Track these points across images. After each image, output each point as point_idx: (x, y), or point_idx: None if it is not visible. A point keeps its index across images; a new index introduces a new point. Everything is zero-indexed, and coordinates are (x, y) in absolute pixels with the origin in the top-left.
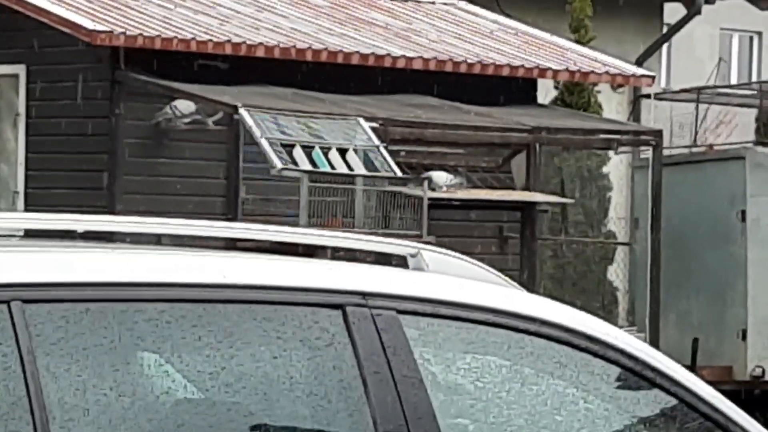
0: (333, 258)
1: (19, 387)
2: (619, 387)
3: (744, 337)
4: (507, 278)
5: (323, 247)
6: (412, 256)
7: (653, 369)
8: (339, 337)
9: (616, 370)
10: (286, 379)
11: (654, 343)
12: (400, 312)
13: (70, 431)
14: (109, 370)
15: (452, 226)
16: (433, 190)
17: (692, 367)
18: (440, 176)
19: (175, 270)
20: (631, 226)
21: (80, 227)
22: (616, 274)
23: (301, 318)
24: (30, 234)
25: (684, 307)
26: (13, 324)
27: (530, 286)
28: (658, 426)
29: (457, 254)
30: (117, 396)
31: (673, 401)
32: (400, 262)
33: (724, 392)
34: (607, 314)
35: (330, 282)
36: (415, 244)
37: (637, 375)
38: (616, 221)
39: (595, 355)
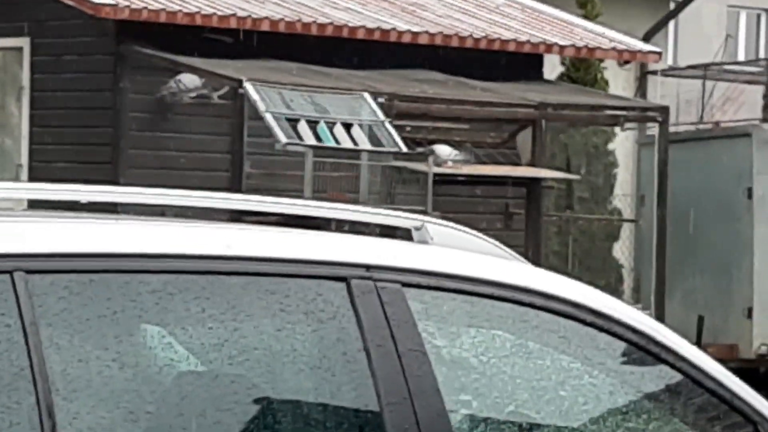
0: (337, 231)
1: (22, 358)
2: (624, 362)
3: (749, 315)
4: (512, 251)
5: (327, 220)
6: (417, 228)
7: (658, 344)
8: (343, 309)
9: (621, 345)
10: (290, 351)
11: (659, 320)
12: (404, 285)
13: (72, 403)
14: (113, 342)
15: (457, 202)
16: (438, 165)
17: (697, 345)
18: (444, 150)
19: (179, 241)
20: (636, 203)
21: (83, 198)
22: (622, 251)
23: (305, 290)
24: (34, 205)
25: (689, 285)
26: (16, 294)
27: (535, 262)
28: (663, 401)
29: (462, 227)
30: (120, 368)
31: (679, 376)
32: (405, 234)
33: (729, 370)
34: (613, 291)
35: (334, 254)
36: (419, 216)
37: (642, 350)
38: (622, 198)
39: (601, 329)
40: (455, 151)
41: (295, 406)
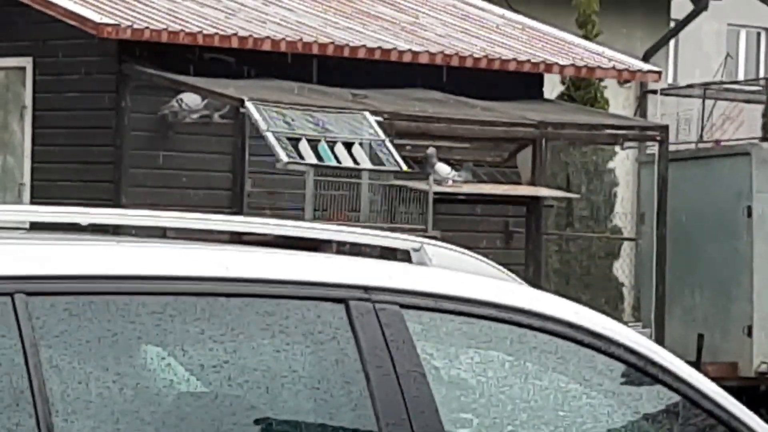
0: (338, 253)
1: (22, 380)
2: (622, 383)
3: (749, 333)
4: (510, 272)
5: (327, 241)
6: (415, 250)
7: (656, 365)
8: (342, 331)
9: (619, 366)
10: (289, 372)
11: (659, 339)
12: (403, 306)
13: (73, 424)
14: (112, 363)
15: (458, 221)
16: (438, 183)
17: (697, 364)
18: (443, 168)
19: (178, 263)
20: (636, 221)
21: (84, 220)
22: (622, 269)
23: (303, 312)
24: (36, 227)
25: (689, 303)
26: (17, 316)
27: (535, 281)
28: (661, 422)
29: (460, 249)
30: (120, 389)
31: (676, 397)
32: (404, 256)
33: (729, 389)
34: (613, 310)
35: (333, 276)
36: (418, 238)
37: (639, 371)
38: (622, 216)
39: (598, 350)
40: (454, 172)
41: (294, 427)
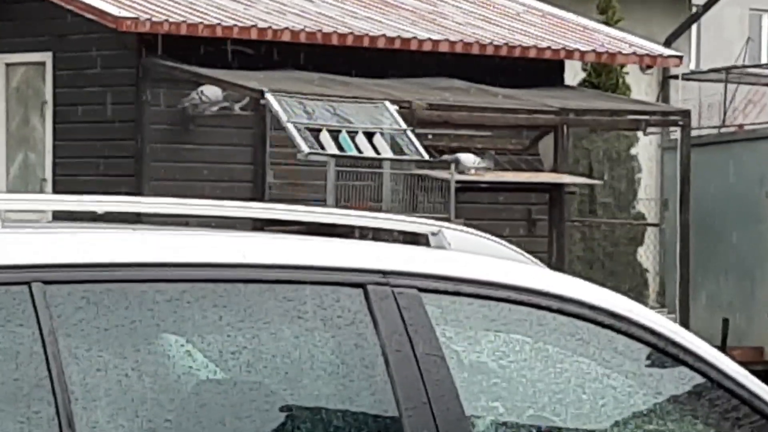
0: (358, 238)
1: (40, 368)
2: (643, 364)
3: None
4: (529, 255)
5: (346, 227)
6: (434, 234)
7: (677, 345)
8: (360, 315)
9: (640, 347)
10: (308, 358)
11: (684, 324)
12: (421, 290)
13: (92, 412)
14: (131, 351)
15: (480, 209)
16: (462, 172)
17: (723, 348)
18: (468, 158)
19: (196, 250)
20: (660, 207)
21: (101, 208)
22: (646, 255)
23: (322, 297)
24: (57, 217)
25: (714, 288)
26: (34, 305)
27: (559, 268)
28: (683, 403)
29: (478, 232)
30: (138, 376)
31: (698, 378)
32: (423, 240)
33: (755, 372)
34: (637, 296)
35: (351, 261)
36: (436, 222)
37: (661, 352)
38: (646, 202)
39: (619, 331)
40: (479, 159)
41: (314, 412)
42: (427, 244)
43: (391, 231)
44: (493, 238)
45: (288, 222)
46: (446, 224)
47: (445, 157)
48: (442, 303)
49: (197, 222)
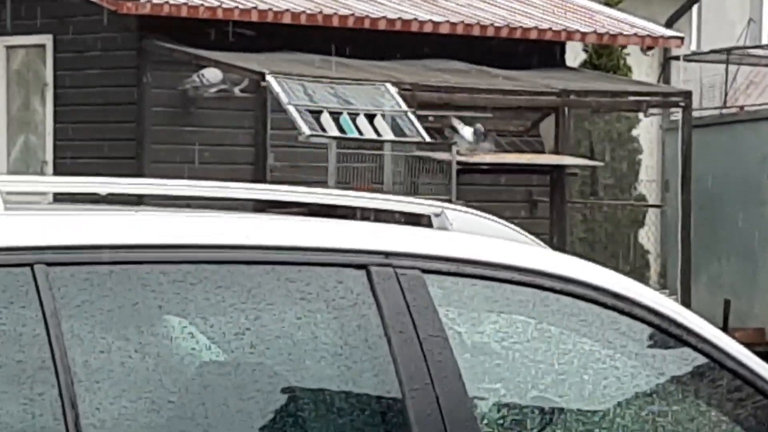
0: (360, 220)
1: (43, 350)
2: (646, 345)
3: None
4: (531, 236)
5: (348, 208)
6: (436, 215)
7: (680, 326)
8: (363, 297)
9: (642, 328)
10: (311, 339)
11: (686, 305)
12: (424, 271)
13: (95, 393)
14: (134, 332)
15: (481, 191)
16: (473, 149)
17: (724, 329)
18: (467, 131)
19: (199, 231)
20: (661, 188)
21: (104, 190)
22: (647, 237)
23: (325, 278)
24: (58, 199)
25: (715, 269)
26: (37, 287)
27: (560, 249)
28: (686, 383)
29: (481, 213)
30: (142, 358)
31: (701, 358)
32: (425, 221)
33: (757, 354)
34: (639, 277)
35: (353, 242)
36: (438, 203)
37: (664, 332)
38: (647, 184)
39: (622, 312)
40: (474, 129)
41: (317, 393)
42: (429, 225)
43: (393, 212)
44: (496, 218)
45: (289, 204)
46: (449, 205)
47: (445, 141)
48: (444, 284)
49: (199, 204)
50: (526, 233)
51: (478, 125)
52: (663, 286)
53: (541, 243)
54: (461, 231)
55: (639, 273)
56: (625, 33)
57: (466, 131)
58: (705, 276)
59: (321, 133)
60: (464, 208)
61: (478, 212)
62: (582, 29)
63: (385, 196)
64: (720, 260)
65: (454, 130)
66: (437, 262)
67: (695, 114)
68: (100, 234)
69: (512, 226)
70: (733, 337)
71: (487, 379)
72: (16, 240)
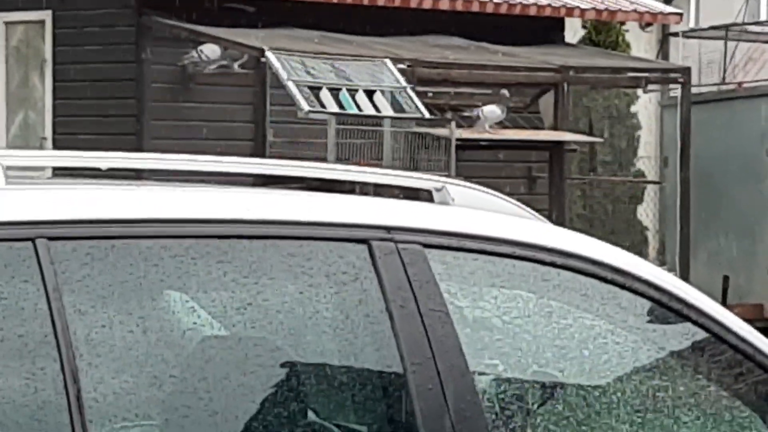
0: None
1: (45, 324)
2: (646, 319)
3: None
4: (533, 211)
5: (347, 183)
6: (437, 190)
7: (681, 300)
8: (364, 271)
9: (643, 302)
10: (312, 314)
11: (684, 281)
12: (425, 246)
13: (97, 368)
14: (136, 307)
15: (481, 167)
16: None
17: (723, 306)
18: (492, 111)
19: (200, 206)
20: (660, 165)
21: (105, 164)
22: (646, 213)
23: (326, 253)
24: (58, 173)
25: (714, 246)
26: (39, 261)
27: (560, 226)
28: (686, 358)
29: (482, 188)
30: (143, 333)
31: (702, 333)
32: (426, 196)
33: (755, 329)
34: (637, 254)
35: (355, 217)
36: (440, 178)
37: (664, 307)
38: (645, 160)
39: (622, 287)
40: (499, 110)
41: (319, 368)
42: (430, 200)
43: (392, 187)
44: (497, 193)
45: (288, 179)
46: (450, 180)
47: (469, 113)
48: (446, 258)
49: (198, 180)
50: (527, 207)
51: (503, 92)
52: (662, 262)
53: (542, 218)
54: (462, 206)
55: (637, 249)
56: (623, 9)
57: (490, 110)
58: (704, 252)
59: (320, 109)
60: (465, 183)
61: (480, 187)
62: (581, 5)
63: (387, 171)
64: (718, 236)
65: (478, 115)
66: (438, 236)
67: (694, 90)
68: (102, 208)
69: (513, 201)
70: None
71: (488, 354)
72: (17, 214)
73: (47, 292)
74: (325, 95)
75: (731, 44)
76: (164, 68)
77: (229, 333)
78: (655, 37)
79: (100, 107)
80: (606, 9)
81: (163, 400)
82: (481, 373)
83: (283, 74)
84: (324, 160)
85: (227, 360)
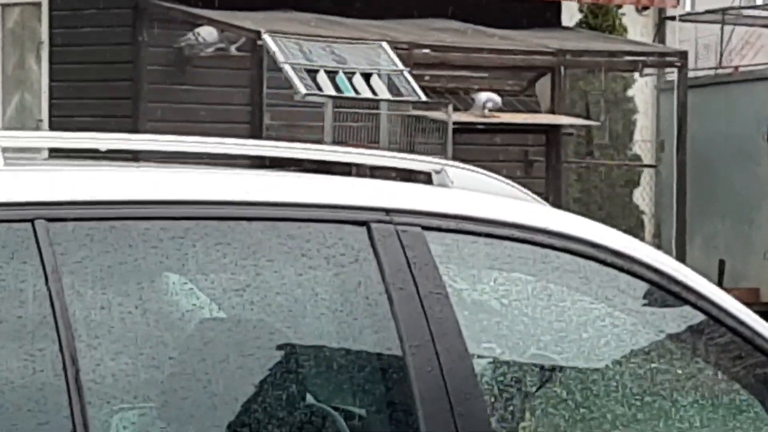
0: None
1: (44, 306)
2: (645, 302)
3: None
4: (532, 193)
5: (344, 166)
6: (437, 172)
7: (679, 283)
8: (364, 253)
9: (642, 285)
10: (311, 296)
11: None
12: (424, 228)
13: (95, 349)
14: (135, 289)
15: (477, 151)
16: (491, 110)
17: None
18: (481, 98)
19: (199, 187)
20: (656, 148)
21: (104, 146)
22: (642, 197)
23: (325, 235)
24: (55, 154)
25: (710, 230)
26: (38, 243)
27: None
28: (684, 341)
29: (482, 170)
30: (142, 314)
31: (701, 316)
32: (425, 179)
33: None
34: (634, 237)
35: (354, 198)
36: (439, 160)
37: (662, 289)
38: (642, 144)
39: (621, 269)
40: (494, 98)
41: (318, 350)
42: (429, 182)
43: (390, 170)
44: (496, 176)
45: (285, 161)
46: (449, 162)
47: (472, 96)
48: (445, 241)
49: (197, 162)
50: (526, 190)
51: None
52: (658, 246)
53: (541, 200)
54: (462, 188)
55: (634, 233)
56: None
57: (481, 97)
58: (699, 236)
59: (317, 92)
60: (465, 166)
61: (479, 169)
62: None
63: (386, 153)
64: (715, 220)
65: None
66: (438, 219)
67: (690, 74)
68: (101, 189)
69: (512, 183)
70: None
71: (487, 336)
72: (16, 195)
73: (46, 274)
74: (322, 78)
75: (728, 28)
76: (161, 51)
77: (228, 315)
78: (652, 20)
79: (97, 89)
80: None
81: (161, 382)
82: (479, 356)
83: (280, 57)
84: (321, 143)
85: (226, 342)
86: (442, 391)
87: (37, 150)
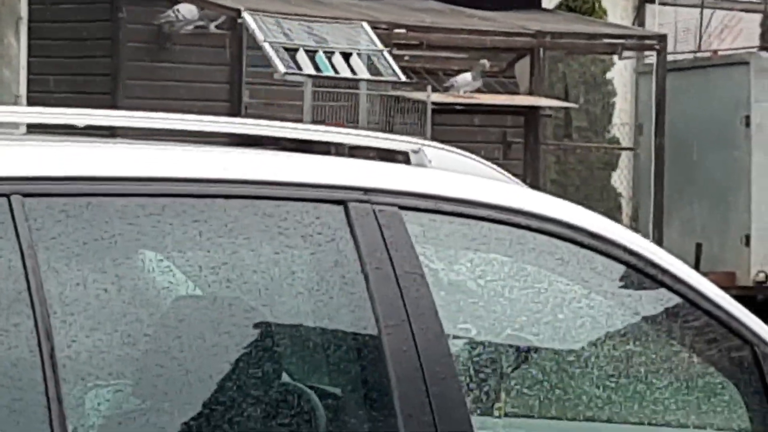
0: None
1: (19, 282)
2: (621, 285)
3: (747, 243)
4: (509, 174)
5: (322, 144)
6: (414, 152)
7: (656, 266)
8: (340, 232)
9: (618, 267)
10: (288, 274)
11: None
12: (402, 208)
13: (71, 326)
14: (110, 265)
15: (456, 131)
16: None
17: None
18: (464, 78)
19: (176, 164)
20: (635, 131)
21: (81, 122)
22: (620, 180)
23: (302, 213)
24: (32, 129)
25: (687, 213)
26: (14, 218)
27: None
28: (661, 323)
29: (459, 150)
30: (118, 291)
31: (677, 299)
32: (402, 158)
33: None
34: (611, 220)
35: (331, 177)
36: (417, 140)
37: (639, 272)
38: (620, 127)
39: (598, 251)
40: (472, 79)
41: (293, 329)
42: (407, 162)
43: (368, 149)
44: (474, 156)
45: (264, 140)
46: (427, 142)
47: (447, 83)
48: (422, 221)
49: (175, 139)
50: (504, 171)
51: (483, 62)
52: (635, 229)
53: (519, 182)
54: (439, 168)
55: (611, 216)
56: None
57: (464, 76)
58: (677, 220)
59: (296, 71)
60: (442, 146)
61: (457, 150)
62: None
63: (363, 132)
64: (692, 204)
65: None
66: (415, 198)
67: (669, 58)
68: (78, 165)
69: (490, 164)
70: None
71: (463, 317)
72: None
73: (21, 249)
74: (302, 57)
75: (707, 12)
76: (140, 28)
77: (204, 293)
78: (632, 3)
79: (76, 66)
80: None
81: (136, 359)
82: (455, 336)
83: (260, 35)
84: (300, 122)
85: (202, 320)
86: (418, 371)
87: (15, 125)
